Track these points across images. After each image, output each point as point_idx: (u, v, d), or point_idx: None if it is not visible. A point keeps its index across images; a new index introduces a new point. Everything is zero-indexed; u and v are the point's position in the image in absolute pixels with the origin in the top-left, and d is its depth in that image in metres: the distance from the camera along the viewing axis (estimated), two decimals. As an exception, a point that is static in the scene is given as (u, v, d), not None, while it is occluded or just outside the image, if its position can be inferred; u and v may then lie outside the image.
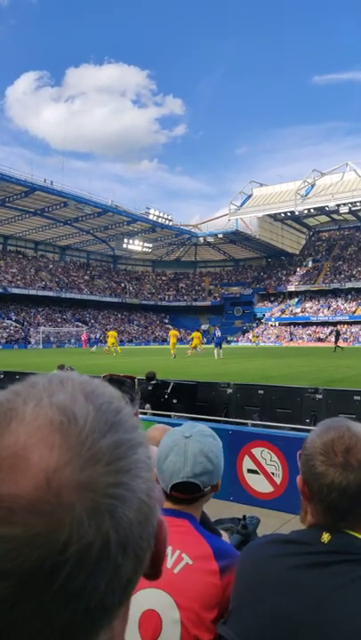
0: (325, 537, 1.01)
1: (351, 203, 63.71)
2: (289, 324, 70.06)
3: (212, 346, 32.81)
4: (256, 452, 5.16)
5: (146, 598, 1.20)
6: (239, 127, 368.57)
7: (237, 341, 68.73)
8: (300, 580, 0.98)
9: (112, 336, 37.50)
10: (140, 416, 8.71)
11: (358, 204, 64.23)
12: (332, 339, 56.57)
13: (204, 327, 76.42)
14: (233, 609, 1.08)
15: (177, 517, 1.34)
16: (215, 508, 5.11)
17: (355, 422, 1.12)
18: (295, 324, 69.54)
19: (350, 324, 64.94)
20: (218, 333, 31.94)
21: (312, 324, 68.29)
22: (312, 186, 67.56)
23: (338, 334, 40.12)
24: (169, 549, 1.26)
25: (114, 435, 0.37)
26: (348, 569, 0.96)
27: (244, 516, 2.73)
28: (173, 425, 5.52)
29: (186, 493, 1.36)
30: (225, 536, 2.31)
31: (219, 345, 29.15)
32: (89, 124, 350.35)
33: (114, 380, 2.14)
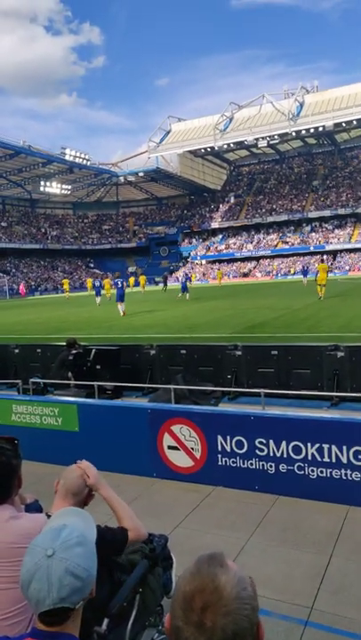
0: None
1: (269, 136, 63.56)
2: (215, 261, 70.80)
3: (97, 299, 31.18)
4: (175, 428, 5.23)
5: None
6: (159, 57, 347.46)
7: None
8: None
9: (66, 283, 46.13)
10: (60, 391, 8.53)
11: (276, 137, 64.23)
12: (257, 274, 58.76)
13: (131, 269, 75.52)
14: None
15: None
16: (139, 485, 5.21)
17: (228, 568, 1.03)
18: (220, 261, 70.37)
19: (273, 257, 66.70)
20: (119, 283, 24.87)
21: (236, 259, 69.43)
22: (230, 120, 66.39)
23: (165, 277, 49.86)
24: None
25: None
26: None
27: (152, 539, 2.76)
28: (90, 406, 5.36)
29: (56, 617, 1.27)
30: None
31: (121, 298, 23.48)
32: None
33: None
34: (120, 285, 24.25)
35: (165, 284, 47.16)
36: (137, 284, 50.86)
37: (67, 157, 66.70)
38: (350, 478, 4.44)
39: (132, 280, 59.11)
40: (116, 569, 2.43)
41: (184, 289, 31.60)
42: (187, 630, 0.95)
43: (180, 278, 51.13)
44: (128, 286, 50.29)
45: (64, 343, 9.52)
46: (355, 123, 60.60)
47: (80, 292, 59.58)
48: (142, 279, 47.97)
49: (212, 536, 4.13)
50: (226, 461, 4.97)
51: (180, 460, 5.23)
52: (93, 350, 9.23)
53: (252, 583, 1.02)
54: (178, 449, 5.23)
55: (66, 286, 46.83)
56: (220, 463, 5.00)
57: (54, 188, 71.69)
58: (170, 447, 5.27)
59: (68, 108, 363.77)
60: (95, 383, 7.95)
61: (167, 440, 5.28)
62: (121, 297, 23.40)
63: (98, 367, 9.08)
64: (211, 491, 4.96)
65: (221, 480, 5.00)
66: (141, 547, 2.66)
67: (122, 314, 22.69)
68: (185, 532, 4.19)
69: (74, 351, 9.04)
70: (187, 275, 41.08)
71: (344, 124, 61.01)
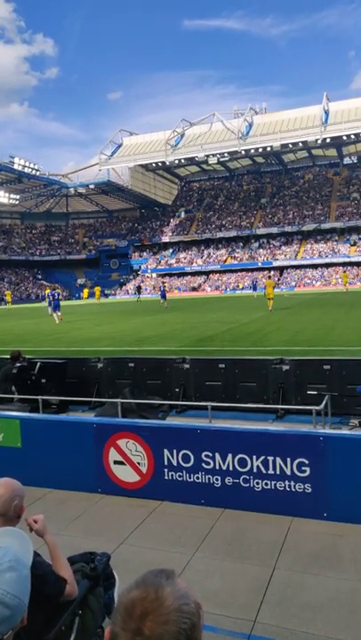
0: None
1: (219, 153, 64.94)
2: (165, 275, 71.09)
3: (49, 309, 29.40)
4: (121, 443, 5.15)
5: None
6: (113, 71, 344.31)
7: (115, 295, 68.36)
8: None
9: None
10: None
11: (226, 154, 65.68)
12: (207, 288, 59.60)
13: (80, 281, 74.67)
14: None
15: None
16: (84, 501, 5.08)
17: (174, 582, 1.01)
18: (171, 275, 70.76)
19: (222, 272, 67.77)
20: (55, 295, 28.28)
21: (187, 273, 70.03)
22: (182, 136, 67.36)
23: (139, 288, 52.53)
24: None
25: None
26: None
27: (93, 558, 2.69)
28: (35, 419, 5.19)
29: None
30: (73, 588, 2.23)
31: (57, 308, 26.67)
32: None
33: None
34: (56, 297, 27.76)
35: (139, 294, 50.13)
36: (92, 294, 51.64)
37: (15, 166, 65.35)
38: (294, 490, 4.52)
39: (85, 291, 59.33)
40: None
41: (163, 296, 36.33)
42: (124, 637, 0.93)
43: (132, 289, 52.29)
44: (81, 297, 51.49)
45: (8, 356, 9.22)
46: (300, 145, 63.11)
47: (26, 303, 58.30)
48: (97, 290, 49.76)
49: (157, 552, 4.08)
50: (172, 475, 4.93)
51: (125, 475, 5.15)
52: (38, 363, 9.02)
53: (199, 606, 1.01)
54: (124, 464, 5.15)
55: (8, 297, 47.56)
56: (166, 477, 4.96)
57: (1, 197, 70.02)
58: (116, 462, 5.18)
59: (19, 118, 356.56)
60: (40, 397, 7.74)
61: (113, 455, 5.19)
62: (56, 307, 26.74)
63: (43, 381, 8.86)
64: (157, 506, 4.91)
65: (168, 494, 4.96)
66: (82, 566, 2.58)
67: (57, 321, 25.51)
68: (130, 549, 4.11)
69: (18, 364, 8.76)
70: (164, 284, 43.87)
71: (291, 145, 63.33)
